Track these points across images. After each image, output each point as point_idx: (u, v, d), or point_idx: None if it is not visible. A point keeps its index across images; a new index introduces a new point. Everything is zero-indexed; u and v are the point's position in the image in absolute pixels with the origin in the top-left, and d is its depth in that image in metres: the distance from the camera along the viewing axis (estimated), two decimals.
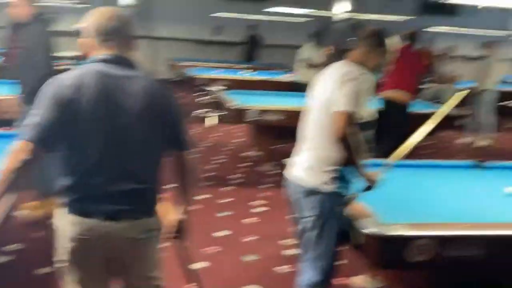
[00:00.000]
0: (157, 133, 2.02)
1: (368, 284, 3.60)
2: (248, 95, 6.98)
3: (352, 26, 13.90)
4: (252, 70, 10.27)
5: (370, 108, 2.72)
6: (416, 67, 5.95)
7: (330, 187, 2.61)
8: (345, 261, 3.88)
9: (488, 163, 4.00)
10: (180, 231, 2.22)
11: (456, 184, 3.56)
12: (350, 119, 2.50)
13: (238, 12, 12.49)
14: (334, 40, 9.60)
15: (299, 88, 7.46)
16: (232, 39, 13.59)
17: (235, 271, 3.74)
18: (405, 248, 2.41)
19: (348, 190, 2.66)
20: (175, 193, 2.19)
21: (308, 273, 2.79)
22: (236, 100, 6.16)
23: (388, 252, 2.46)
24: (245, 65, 11.43)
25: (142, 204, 2.02)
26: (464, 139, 8.74)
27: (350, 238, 2.63)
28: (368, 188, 2.66)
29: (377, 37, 2.79)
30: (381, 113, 5.90)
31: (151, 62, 13.17)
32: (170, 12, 13.08)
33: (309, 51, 8.62)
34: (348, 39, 2.71)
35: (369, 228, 2.44)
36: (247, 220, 4.70)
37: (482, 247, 2.49)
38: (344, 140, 2.49)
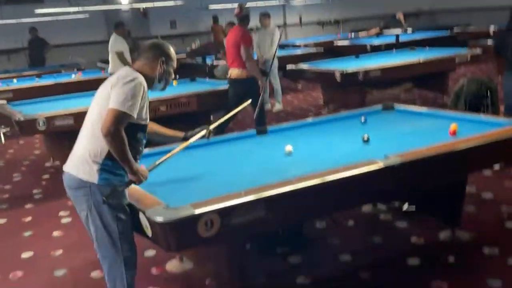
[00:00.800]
0: None
1: (180, 268, 3.71)
2: (36, 104, 6.64)
3: (141, 13, 13.88)
4: (36, 76, 9.70)
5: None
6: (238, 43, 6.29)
7: (97, 178, 2.62)
8: (153, 251, 3.97)
9: (270, 127, 4.30)
10: None
11: (242, 154, 3.77)
12: (120, 118, 2.54)
13: (11, 17, 11.68)
14: (127, 29, 9.43)
15: None
16: (13, 45, 12.71)
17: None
18: (194, 227, 2.50)
19: (120, 181, 2.67)
20: None
21: (109, 272, 2.79)
22: (22, 111, 5.83)
23: (180, 235, 2.53)
24: (33, 71, 10.76)
25: None
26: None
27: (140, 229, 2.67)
28: (133, 182, 2.67)
29: (156, 49, 2.83)
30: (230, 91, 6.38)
31: None
32: None
33: (116, 43, 8.42)
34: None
35: (157, 215, 2.49)
36: (55, 234, 4.51)
37: (265, 208, 2.68)
38: (111, 136, 2.51)
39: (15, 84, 9.06)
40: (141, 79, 2.67)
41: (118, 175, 2.66)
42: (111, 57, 8.44)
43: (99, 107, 2.67)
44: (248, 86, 6.23)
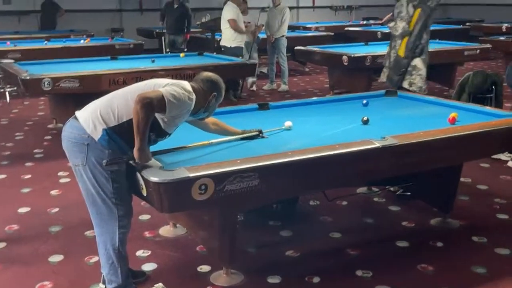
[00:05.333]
0: None
1: (173, 233, 3.77)
2: (43, 65, 6.66)
3: None
4: (45, 39, 9.71)
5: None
6: None
7: (98, 136, 2.65)
8: (148, 216, 4.03)
9: (272, 103, 4.33)
10: None
11: (241, 127, 3.78)
12: (159, 100, 2.59)
13: None
14: None
15: None
16: (24, 8, 12.70)
17: (42, 243, 3.67)
18: (188, 189, 2.55)
19: (121, 152, 2.71)
20: None
21: (100, 228, 2.86)
22: (29, 70, 5.85)
23: (174, 196, 2.58)
24: (43, 34, 10.76)
25: None
26: (269, 86, 9.29)
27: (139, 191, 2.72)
28: (132, 160, 2.68)
29: (214, 84, 2.92)
30: None
31: None
32: None
33: (229, 10, 8.10)
34: None
35: (152, 175, 2.53)
36: (52, 192, 4.58)
37: (258, 177, 2.72)
38: (142, 105, 2.52)
39: (24, 44, 9.07)
40: (194, 101, 2.76)
41: (118, 145, 2.69)
42: (223, 26, 8.17)
43: (148, 84, 2.79)
44: None
